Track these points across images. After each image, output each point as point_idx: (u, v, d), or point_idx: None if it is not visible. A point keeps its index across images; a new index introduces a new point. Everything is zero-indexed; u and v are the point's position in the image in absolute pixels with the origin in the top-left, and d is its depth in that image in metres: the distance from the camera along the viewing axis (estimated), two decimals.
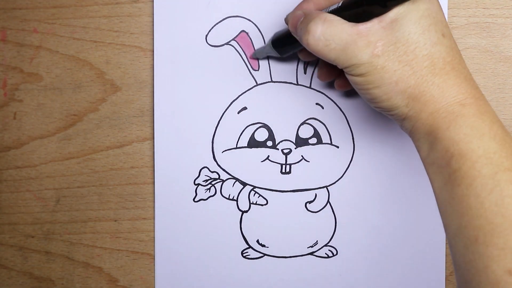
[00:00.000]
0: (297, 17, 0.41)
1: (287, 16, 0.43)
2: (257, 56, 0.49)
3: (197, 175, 0.50)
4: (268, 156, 0.50)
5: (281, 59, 0.49)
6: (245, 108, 0.50)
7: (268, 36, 0.49)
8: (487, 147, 0.35)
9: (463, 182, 0.35)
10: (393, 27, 0.37)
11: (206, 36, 0.50)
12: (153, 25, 0.50)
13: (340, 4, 0.39)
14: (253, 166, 0.50)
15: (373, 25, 0.37)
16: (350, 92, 0.49)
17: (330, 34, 0.38)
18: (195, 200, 0.51)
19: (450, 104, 0.37)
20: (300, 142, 0.50)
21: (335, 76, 0.47)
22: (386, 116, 0.40)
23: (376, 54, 0.37)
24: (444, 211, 0.37)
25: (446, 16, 0.48)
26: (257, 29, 0.49)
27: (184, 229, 0.51)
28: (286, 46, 0.46)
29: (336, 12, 0.39)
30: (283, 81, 0.50)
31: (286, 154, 0.50)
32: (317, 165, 0.50)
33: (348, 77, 0.39)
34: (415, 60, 0.37)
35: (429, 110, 0.37)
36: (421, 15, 0.37)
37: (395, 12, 0.37)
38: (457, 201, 0.35)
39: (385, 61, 0.37)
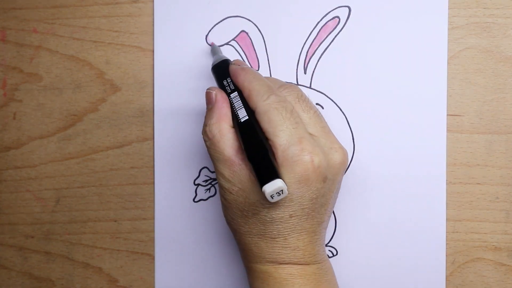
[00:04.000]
0: (210, 97, 0.42)
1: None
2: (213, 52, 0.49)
3: (197, 175, 0.50)
4: None
5: (282, 57, 0.49)
6: None
7: (268, 36, 0.49)
8: None
9: None
10: (253, 182, 0.39)
11: (206, 36, 0.50)
12: (153, 25, 0.50)
13: (242, 120, 0.40)
14: None
15: (244, 163, 0.40)
16: (350, 92, 0.49)
17: (216, 149, 0.41)
18: (195, 200, 0.51)
19: (263, 264, 0.41)
20: None
21: None
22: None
23: (229, 190, 0.40)
24: None
25: (446, 16, 0.48)
26: (257, 29, 0.49)
27: (184, 229, 0.51)
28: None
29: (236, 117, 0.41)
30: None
31: None
32: None
33: None
34: (253, 218, 0.40)
35: (246, 263, 0.42)
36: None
37: None
38: None
39: (233, 200, 0.40)
